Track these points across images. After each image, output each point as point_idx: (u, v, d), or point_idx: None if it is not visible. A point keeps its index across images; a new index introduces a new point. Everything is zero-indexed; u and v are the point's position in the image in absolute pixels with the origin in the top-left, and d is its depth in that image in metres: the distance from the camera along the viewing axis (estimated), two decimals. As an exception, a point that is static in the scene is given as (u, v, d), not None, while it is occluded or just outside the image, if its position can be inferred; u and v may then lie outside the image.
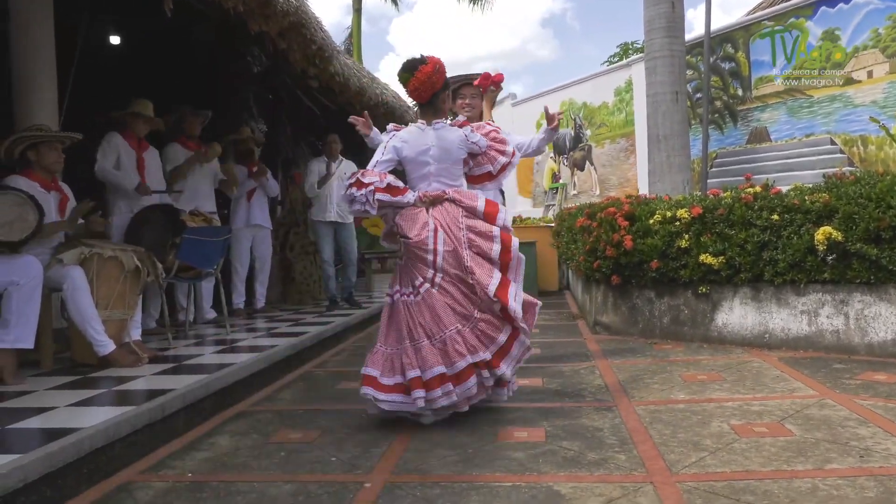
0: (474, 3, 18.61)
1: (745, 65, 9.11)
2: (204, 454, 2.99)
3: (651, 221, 5.31)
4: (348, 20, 20.44)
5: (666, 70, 7.95)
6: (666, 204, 5.47)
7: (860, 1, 7.85)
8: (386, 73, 70.83)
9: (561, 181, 14.00)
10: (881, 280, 4.32)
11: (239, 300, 6.80)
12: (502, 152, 3.67)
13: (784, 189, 4.98)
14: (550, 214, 12.03)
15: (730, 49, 9.32)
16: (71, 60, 5.95)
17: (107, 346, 4.10)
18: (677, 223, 5.15)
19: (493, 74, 4.24)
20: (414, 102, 3.78)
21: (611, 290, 5.73)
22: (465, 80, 4.33)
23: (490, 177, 3.68)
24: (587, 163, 13.99)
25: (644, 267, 5.30)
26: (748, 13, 11.36)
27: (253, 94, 8.70)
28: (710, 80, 8.72)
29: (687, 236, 5.08)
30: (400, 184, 3.42)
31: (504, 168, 3.68)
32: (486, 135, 3.65)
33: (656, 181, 8.03)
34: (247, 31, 5.38)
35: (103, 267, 4.23)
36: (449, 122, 3.64)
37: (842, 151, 8.02)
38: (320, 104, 9.29)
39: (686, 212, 5.10)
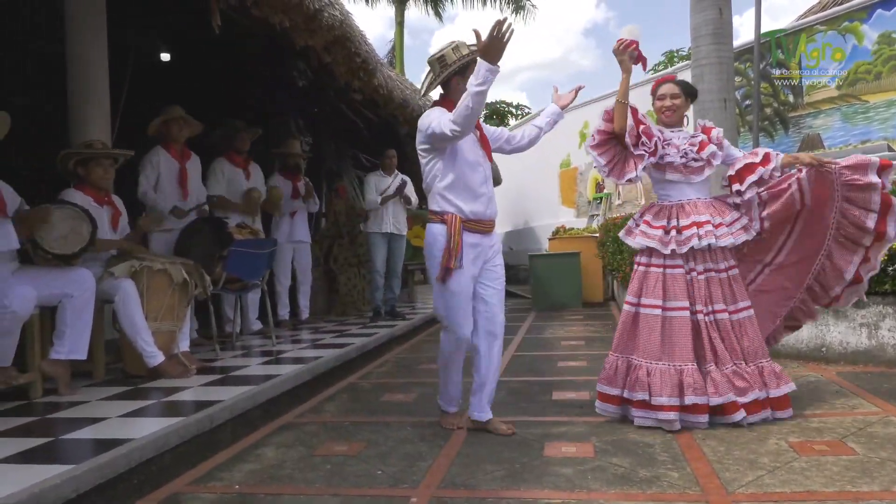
0: (517, 14, 18.60)
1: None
2: (251, 466, 3.00)
3: (700, 231, 5.17)
4: (391, 34, 20.69)
5: (714, 77, 7.76)
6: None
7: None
8: (428, 84, 71.03)
9: (605, 191, 13.82)
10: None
11: (283, 312, 6.87)
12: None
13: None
14: (595, 224, 11.88)
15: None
16: (123, 76, 6.12)
17: (156, 357, 4.16)
18: (728, 233, 5.01)
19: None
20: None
21: (659, 302, 5.60)
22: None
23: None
24: (632, 172, 13.73)
25: (693, 278, 5.16)
26: (798, 18, 11.09)
27: (298, 107, 8.83)
28: (760, 86, 8.52)
29: (738, 246, 4.93)
30: None
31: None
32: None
33: (704, 190, 7.85)
34: (293, 46, 5.45)
35: (153, 280, 4.31)
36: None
37: (900, 158, 7.73)
38: (364, 117, 9.37)
39: (737, 221, 4.96)
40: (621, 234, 3.60)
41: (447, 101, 3.28)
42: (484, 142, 3.39)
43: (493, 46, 2.88)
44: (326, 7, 4.89)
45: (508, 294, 12.17)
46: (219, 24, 4.38)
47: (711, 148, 3.46)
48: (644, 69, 3.53)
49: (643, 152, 3.43)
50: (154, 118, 5.32)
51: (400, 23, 19.67)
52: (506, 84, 71.98)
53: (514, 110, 30.71)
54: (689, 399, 3.23)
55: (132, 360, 4.29)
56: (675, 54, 24.29)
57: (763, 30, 8.94)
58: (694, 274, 3.41)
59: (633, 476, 2.66)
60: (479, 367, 3.38)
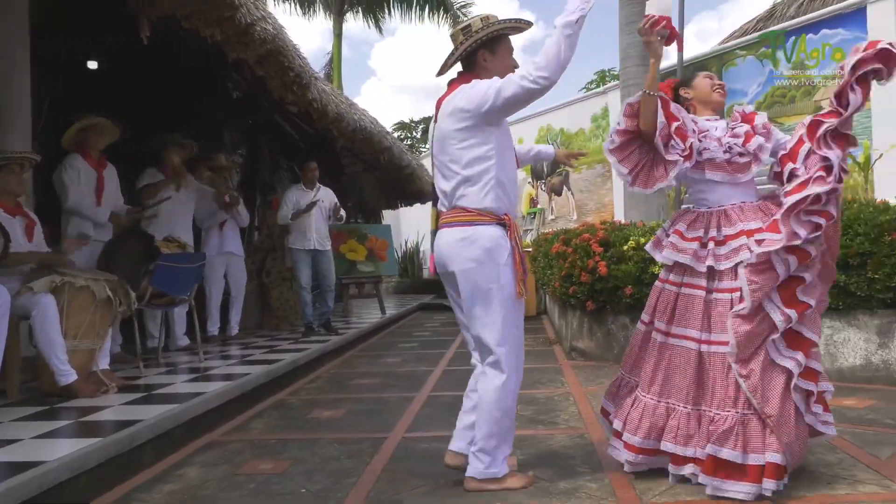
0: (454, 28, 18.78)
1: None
2: (171, 486, 2.94)
3: (625, 248, 5.36)
4: (330, 45, 20.56)
5: (641, 97, 8.07)
6: (639, 230, 5.53)
7: (828, 32, 8.05)
8: (368, 97, 70.85)
9: (538, 206, 14.11)
10: (850, 306, 4.39)
11: (213, 327, 6.75)
12: None
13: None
14: (528, 239, 12.08)
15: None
16: (50, 84, 5.94)
17: (69, 375, 4.03)
18: (651, 249, 5.19)
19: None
20: None
21: (586, 316, 5.76)
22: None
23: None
24: (564, 188, 14.12)
25: (619, 293, 5.33)
26: (721, 42, 11.60)
27: (232, 119, 8.73)
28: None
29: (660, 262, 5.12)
30: None
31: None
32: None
33: (632, 207, 8.11)
34: (226, 58, 5.41)
35: (75, 296, 4.19)
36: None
37: (813, 178, 8.16)
38: (300, 129, 9.33)
39: (659, 238, 5.15)
40: (648, 246, 2.98)
41: (472, 76, 2.74)
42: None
43: None
44: (259, 21, 4.88)
45: (442, 307, 12.28)
46: (148, 36, 4.32)
47: (758, 140, 2.84)
48: (680, 48, 2.84)
49: (676, 157, 2.83)
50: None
51: (338, 35, 19.61)
52: (445, 98, 72.25)
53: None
54: (666, 446, 2.72)
55: (50, 378, 4.14)
56: (608, 74, 24.96)
57: (690, 53, 9.30)
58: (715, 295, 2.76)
59: (552, 488, 2.73)
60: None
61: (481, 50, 2.73)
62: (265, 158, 9.78)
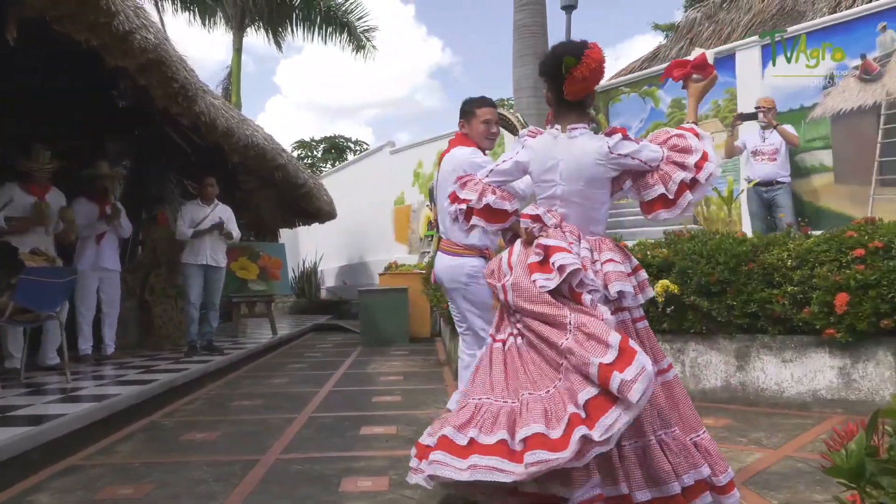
0: (357, 52, 18.82)
1: (604, 125, 9.74)
2: (18, 514, 2.76)
3: (510, 271, 5.49)
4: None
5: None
6: (524, 254, 5.69)
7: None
8: (272, 113, 69.70)
9: (435, 229, 14.21)
10: (711, 330, 4.67)
11: (86, 346, 6.40)
12: (681, 165, 2.52)
13: (630, 244, 5.31)
14: (425, 262, 12.17)
15: (591, 111, 9.93)
16: None
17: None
18: (534, 273, 5.35)
19: (691, 58, 2.72)
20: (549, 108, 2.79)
21: (472, 338, 5.84)
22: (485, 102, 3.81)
23: (666, 202, 2.55)
24: (462, 212, 14.29)
25: (503, 315, 5.45)
26: (609, 79, 12.19)
27: (115, 128, 8.36)
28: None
29: (542, 286, 5.28)
30: (507, 206, 2.70)
31: (685, 188, 2.51)
32: (663, 143, 2.61)
33: (522, 232, 8.34)
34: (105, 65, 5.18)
35: (-79, 309, 3.88)
36: (594, 128, 2.74)
37: (689, 210, 8.66)
38: (191, 141, 9.03)
39: (542, 263, 5.32)
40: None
41: (465, 138, 3.74)
42: None
43: None
44: (139, 29, 4.70)
45: (338, 329, 12.14)
46: (14, 37, 4.09)
47: None
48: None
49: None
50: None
51: (238, 49, 19.18)
52: (351, 119, 72.45)
53: (352, 145, 31.20)
54: None
55: None
56: (506, 102, 25.66)
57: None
58: None
59: (421, 507, 2.76)
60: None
61: (461, 119, 3.77)
62: (153, 170, 9.41)
